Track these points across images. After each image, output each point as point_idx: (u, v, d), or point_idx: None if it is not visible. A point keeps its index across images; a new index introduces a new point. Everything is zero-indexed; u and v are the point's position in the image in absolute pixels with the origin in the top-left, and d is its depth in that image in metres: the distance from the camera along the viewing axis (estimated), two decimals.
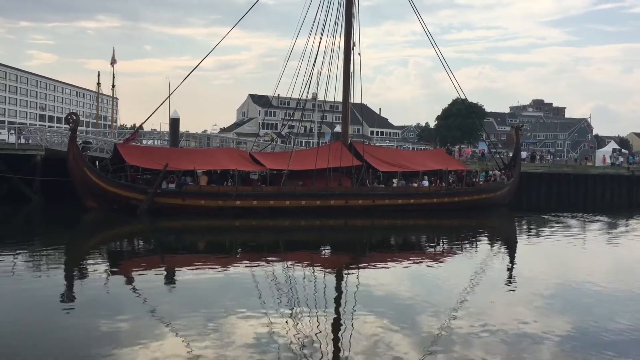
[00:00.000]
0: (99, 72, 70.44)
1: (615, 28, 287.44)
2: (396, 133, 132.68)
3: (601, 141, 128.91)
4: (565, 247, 23.54)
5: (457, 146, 67.57)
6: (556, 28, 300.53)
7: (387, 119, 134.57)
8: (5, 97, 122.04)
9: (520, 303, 13.76)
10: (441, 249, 23.06)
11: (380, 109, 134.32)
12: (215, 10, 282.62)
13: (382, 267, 18.07)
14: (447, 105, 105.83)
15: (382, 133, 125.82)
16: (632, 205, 43.82)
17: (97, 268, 16.59)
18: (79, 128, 29.00)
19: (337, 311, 12.79)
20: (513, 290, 15.51)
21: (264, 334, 10.69)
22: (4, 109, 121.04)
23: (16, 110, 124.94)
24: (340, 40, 32.46)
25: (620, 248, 24.77)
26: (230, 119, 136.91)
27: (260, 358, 9.50)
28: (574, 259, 21.44)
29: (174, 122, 35.36)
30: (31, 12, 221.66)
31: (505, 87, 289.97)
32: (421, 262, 18.99)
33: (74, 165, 26.67)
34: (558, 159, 71.25)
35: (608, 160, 56.84)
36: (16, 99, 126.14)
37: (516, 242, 25.33)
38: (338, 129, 40.38)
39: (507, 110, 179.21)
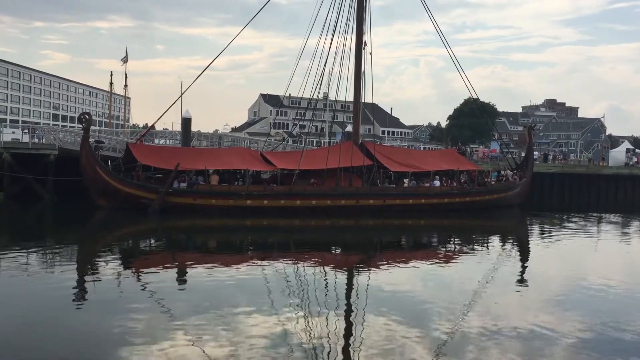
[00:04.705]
0: (111, 71, 71.35)
1: (629, 27, 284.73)
2: (407, 133, 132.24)
3: (614, 141, 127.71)
4: (579, 248, 23.35)
5: (468, 147, 67.02)
6: (569, 27, 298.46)
7: (398, 119, 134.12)
8: (19, 96, 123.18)
9: (533, 304, 13.65)
10: (452, 249, 22.94)
11: (391, 108, 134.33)
12: (226, 9, 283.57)
13: (393, 267, 18.00)
14: (458, 105, 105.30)
15: (393, 133, 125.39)
16: None
17: (109, 267, 16.65)
18: (92, 127, 29.19)
19: (348, 311, 12.75)
20: (526, 291, 15.38)
21: (275, 334, 10.67)
22: (18, 108, 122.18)
23: (30, 110, 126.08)
24: (351, 40, 32.50)
25: (634, 248, 24.54)
26: (242, 118, 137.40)
27: (272, 358, 9.50)
28: (587, 259, 21.25)
29: (186, 122, 35.47)
30: (44, 12, 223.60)
31: (517, 86, 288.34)
32: (432, 263, 18.91)
33: (87, 164, 26.86)
34: (572, 159, 70.68)
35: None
36: (30, 98, 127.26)
37: (528, 243, 25.14)
38: (349, 128, 40.32)
39: (520, 110, 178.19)
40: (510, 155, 42.38)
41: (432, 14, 34.99)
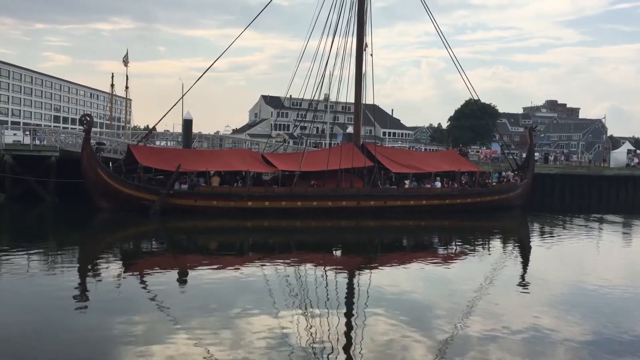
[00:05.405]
0: (112, 73, 71.42)
1: (631, 28, 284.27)
2: (408, 134, 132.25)
3: (616, 142, 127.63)
4: (580, 249, 23.33)
5: (470, 148, 66.98)
6: (571, 28, 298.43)
7: (399, 120, 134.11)
8: (20, 98, 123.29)
9: (534, 305, 13.64)
10: (453, 251, 22.94)
11: (392, 109, 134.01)
12: (228, 11, 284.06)
13: (394, 268, 18.02)
14: (459, 106, 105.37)
15: (394, 134, 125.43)
16: None
17: (110, 268, 16.69)
18: (93, 129, 29.21)
19: (349, 312, 12.76)
20: (527, 292, 15.37)
21: (276, 335, 10.69)
22: (19, 110, 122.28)
23: (31, 112, 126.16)
24: (352, 41, 32.52)
25: (635, 249, 24.52)
26: (243, 120, 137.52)
27: (273, 358, 9.51)
28: (588, 260, 21.22)
29: (187, 123, 35.50)
30: (46, 14, 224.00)
31: (518, 87, 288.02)
32: (433, 264, 18.91)
33: (88, 165, 26.90)
34: (573, 160, 70.64)
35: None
36: (31, 100, 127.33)
37: (529, 244, 25.12)
38: (350, 130, 40.35)
39: (521, 111, 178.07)
40: (511, 157, 42.36)
41: (433, 15, 35.00)
